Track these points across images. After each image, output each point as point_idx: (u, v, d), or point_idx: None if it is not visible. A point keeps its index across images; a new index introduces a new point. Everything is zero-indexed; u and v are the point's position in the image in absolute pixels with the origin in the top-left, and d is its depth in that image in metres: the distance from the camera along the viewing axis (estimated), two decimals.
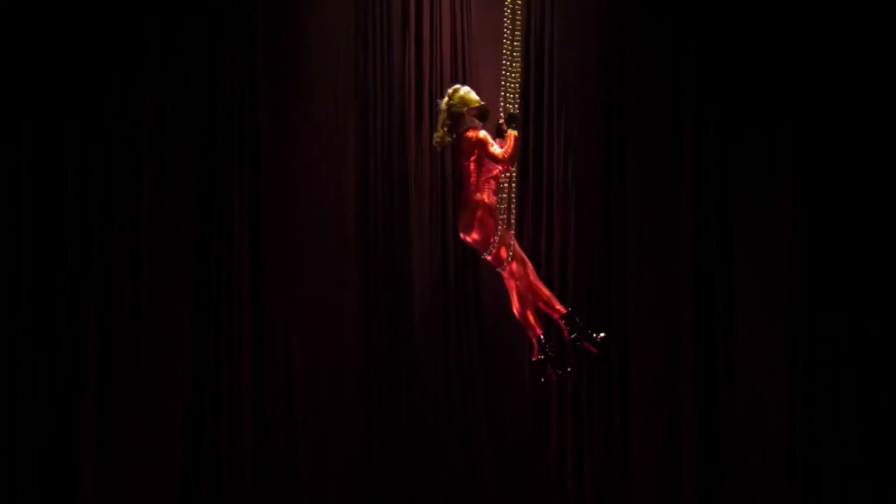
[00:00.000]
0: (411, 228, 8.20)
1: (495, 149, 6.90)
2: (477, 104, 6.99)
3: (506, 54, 7.18)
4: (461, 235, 7.02)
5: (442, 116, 7.01)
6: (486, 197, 6.90)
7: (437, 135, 7.02)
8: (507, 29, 7.19)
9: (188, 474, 7.92)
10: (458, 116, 6.99)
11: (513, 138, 6.91)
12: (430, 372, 8.16)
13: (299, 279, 8.14)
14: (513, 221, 7.20)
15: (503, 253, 6.92)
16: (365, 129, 8.22)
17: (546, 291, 7.07)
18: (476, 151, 6.90)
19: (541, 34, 8.30)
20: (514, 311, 7.00)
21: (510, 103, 7.07)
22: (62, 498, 7.79)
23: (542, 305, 7.04)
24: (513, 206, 7.22)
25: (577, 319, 6.93)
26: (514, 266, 6.94)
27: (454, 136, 6.98)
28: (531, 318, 6.96)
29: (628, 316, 8.23)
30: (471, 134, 6.92)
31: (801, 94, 8.32)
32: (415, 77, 8.23)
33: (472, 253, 7.81)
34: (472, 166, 6.90)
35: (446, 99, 7.02)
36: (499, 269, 7.00)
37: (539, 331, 6.95)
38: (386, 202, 8.21)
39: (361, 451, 8.07)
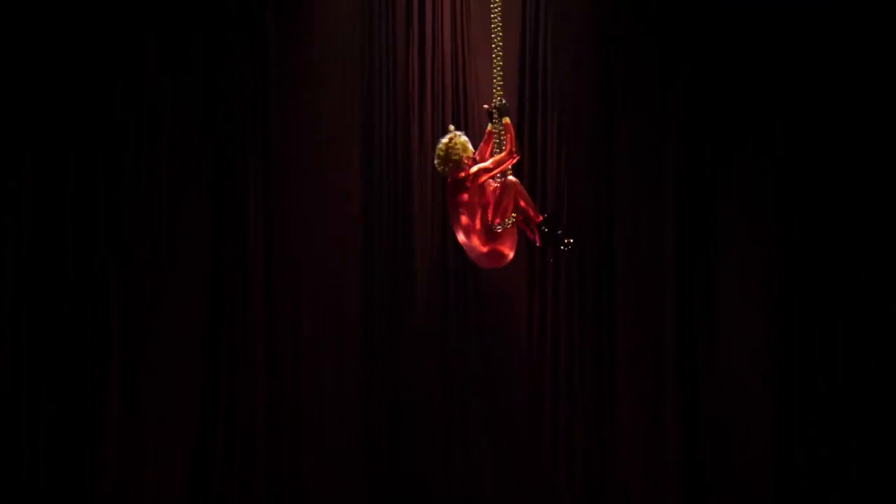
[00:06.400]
0: (414, 227, 8.32)
1: (492, 161, 7.51)
2: (471, 154, 7.57)
3: (494, 49, 7.76)
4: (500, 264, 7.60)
5: (439, 157, 7.51)
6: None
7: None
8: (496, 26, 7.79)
9: (197, 470, 8.05)
10: (458, 163, 7.42)
11: (510, 128, 7.51)
12: (431, 370, 8.28)
13: (305, 276, 8.25)
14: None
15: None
16: (369, 128, 8.33)
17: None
18: (480, 178, 7.42)
19: (535, 36, 8.37)
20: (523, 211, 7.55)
21: (498, 95, 7.62)
22: (72, 493, 7.89)
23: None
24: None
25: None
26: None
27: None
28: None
29: (616, 312, 8.37)
30: (469, 171, 7.49)
31: (792, 93, 8.39)
32: (418, 76, 8.33)
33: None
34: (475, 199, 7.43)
35: (447, 142, 7.40)
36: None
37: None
38: (389, 201, 8.33)
39: (361, 445, 8.21)
